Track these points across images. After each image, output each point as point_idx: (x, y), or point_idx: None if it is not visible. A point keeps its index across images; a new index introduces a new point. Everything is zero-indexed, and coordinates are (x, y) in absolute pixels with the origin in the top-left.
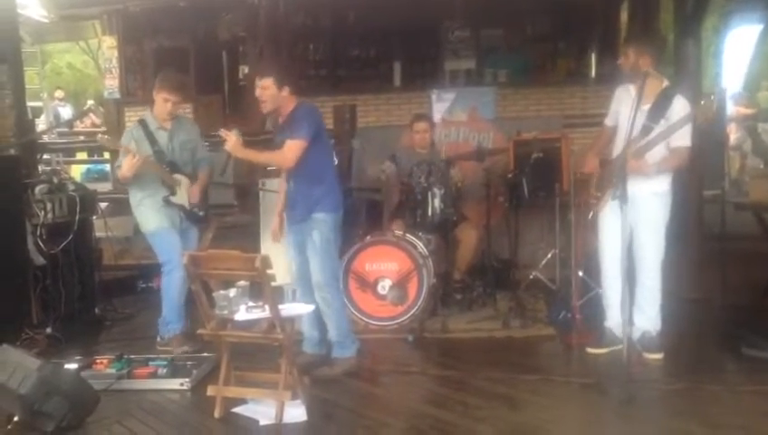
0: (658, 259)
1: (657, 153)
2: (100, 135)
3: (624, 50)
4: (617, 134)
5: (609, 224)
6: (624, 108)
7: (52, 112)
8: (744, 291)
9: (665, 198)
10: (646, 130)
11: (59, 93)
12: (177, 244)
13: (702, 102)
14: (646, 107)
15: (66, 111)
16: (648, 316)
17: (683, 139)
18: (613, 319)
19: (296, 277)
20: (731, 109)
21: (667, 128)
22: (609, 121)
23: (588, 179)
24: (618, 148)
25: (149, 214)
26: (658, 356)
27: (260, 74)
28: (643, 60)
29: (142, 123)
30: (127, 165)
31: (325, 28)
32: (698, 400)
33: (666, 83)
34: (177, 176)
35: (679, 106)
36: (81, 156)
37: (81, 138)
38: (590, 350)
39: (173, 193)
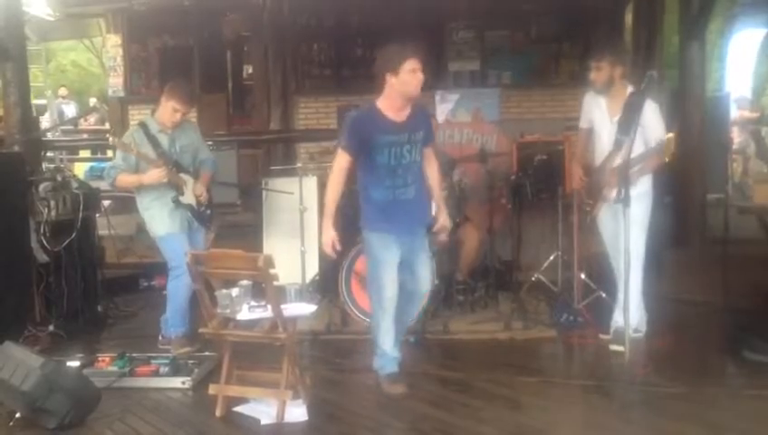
0: (639, 261)
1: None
2: (111, 137)
3: (597, 63)
4: (595, 139)
5: (608, 226)
6: (596, 117)
7: (56, 110)
8: (746, 295)
9: (644, 198)
10: (618, 143)
11: (63, 91)
12: (187, 249)
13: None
14: (616, 118)
15: (70, 109)
16: (628, 311)
17: (661, 136)
18: (634, 319)
19: (393, 296)
20: (734, 112)
21: (642, 153)
22: (583, 124)
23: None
24: (599, 154)
25: (159, 218)
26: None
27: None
28: (616, 71)
29: (143, 126)
30: (156, 175)
31: (329, 28)
32: (700, 403)
33: (629, 90)
34: (183, 176)
35: (650, 113)
36: (85, 154)
37: (85, 136)
38: (613, 347)
39: (181, 193)
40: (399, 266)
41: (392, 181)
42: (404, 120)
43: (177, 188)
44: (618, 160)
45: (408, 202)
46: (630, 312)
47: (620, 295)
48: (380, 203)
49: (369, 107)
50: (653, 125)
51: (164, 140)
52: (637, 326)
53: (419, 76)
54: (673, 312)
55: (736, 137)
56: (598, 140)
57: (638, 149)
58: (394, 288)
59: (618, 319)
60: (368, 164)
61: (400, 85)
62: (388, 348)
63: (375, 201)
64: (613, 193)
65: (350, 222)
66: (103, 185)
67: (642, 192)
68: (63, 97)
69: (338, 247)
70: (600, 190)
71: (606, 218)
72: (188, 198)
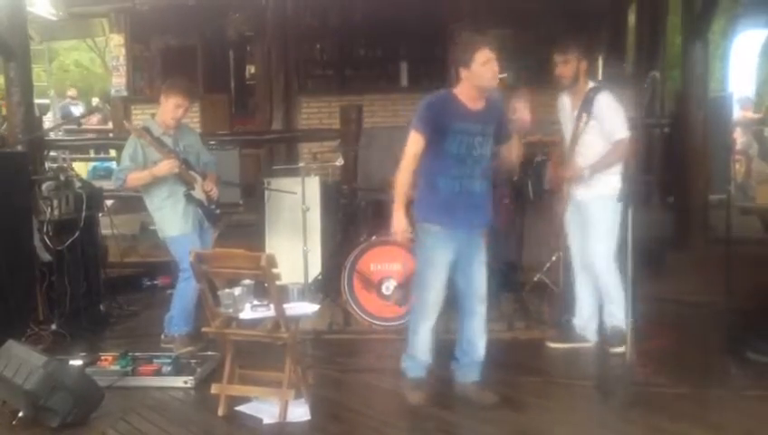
0: (605, 264)
1: (594, 153)
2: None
3: (564, 57)
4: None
5: (572, 224)
6: (562, 117)
7: (62, 111)
8: (749, 295)
9: (612, 200)
10: (574, 137)
11: (71, 92)
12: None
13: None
14: (575, 113)
15: (78, 110)
16: (611, 314)
17: (620, 132)
18: (581, 318)
19: (438, 302)
20: (737, 113)
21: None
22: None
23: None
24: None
25: (172, 218)
26: (620, 349)
27: None
28: (582, 65)
29: (146, 130)
30: (168, 166)
31: (332, 28)
32: (702, 404)
33: (590, 85)
34: (193, 173)
35: (604, 103)
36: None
37: (89, 135)
38: (550, 344)
39: (191, 189)
40: (453, 270)
41: (459, 171)
42: (479, 111)
43: (188, 184)
44: (579, 157)
45: (472, 194)
46: (611, 311)
47: (581, 289)
48: (444, 193)
49: (446, 92)
50: (608, 118)
51: (168, 141)
52: (620, 318)
53: (493, 67)
54: (675, 312)
55: (739, 137)
56: (565, 138)
57: (596, 144)
58: (441, 294)
59: (576, 323)
60: (436, 151)
61: (474, 78)
62: (419, 355)
63: (439, 190)
64: (575, 191)
65: (353, 220)
66: (106, 184)
67: (607, 194)
68: (73, 98)
69: (409, 235)
70: (563, 187)
71: (571, 218)
72: (198, 193)
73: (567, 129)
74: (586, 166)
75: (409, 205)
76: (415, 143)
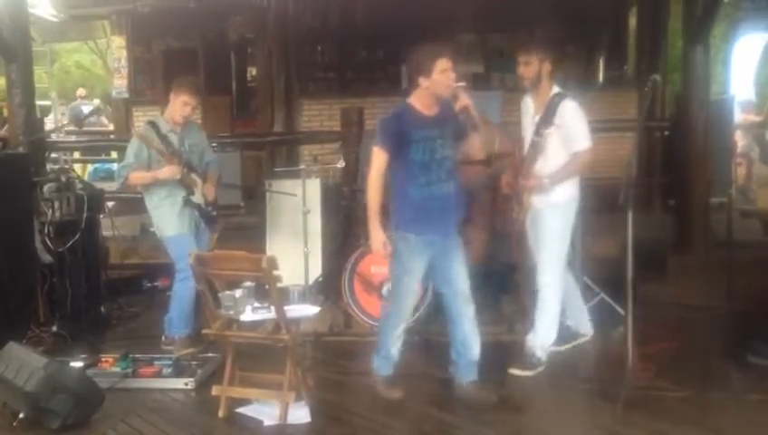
0: (549, 275)
1: (554, 161)
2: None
3: (526, 58)
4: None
5: (531, 232)
6: (524, 120)
7: (72, 111)
8: (750, 299)
9: (563, 208)
10: (534, 144)
11: (81, 92)
12: (194, 250)
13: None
14: (536, 118)
15: (89, 109)
16: (536, 331)
17: (582, 142)
18: (573, 317)
19: (412, 306)
20: (738, 116)
21: (564, 164)
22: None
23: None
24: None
25: (169, 218)
26: (526, 373)
27: None
28: (545, 67)
29: (153, 126)
30: (170, 172)
31: (333, 31)
32: (704, 407)
33: (555, 90)
34: (194, 176)
35: (567, 111)
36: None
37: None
38: (553, 348)
39: (191, 193)
40: (434, 276)
41: (427, 177)
42: (435, 115)
43: (188, 188)
44: (537, 164)
45: (444, 197)
46: (535, 328)
47: (567, 300)
48: (416, 200)
49: (402, 104)
50: (571, 127)
51: (174, 139)
52: (536, 345)
53: (451, 75)
54: (676, 315)
55: (740, 140)
56: (525, 142)
57: (557, 153)
58: (415, 298)
59: (570, 323)
60: (402, 162)
61: (433, 86)
62: (392, 352)
63: (411, 199)
64: (532, 199)
65: (354, 223)
66: (107, 186)
67: (560, 202)
68: (82, 97)
69: (390, 248)
70: (523, 195)
71: (531, 226)
72: (198, 197)
73: (527, 132)
74: (546, 175)
75: (384, 214)
76: (378, 159)
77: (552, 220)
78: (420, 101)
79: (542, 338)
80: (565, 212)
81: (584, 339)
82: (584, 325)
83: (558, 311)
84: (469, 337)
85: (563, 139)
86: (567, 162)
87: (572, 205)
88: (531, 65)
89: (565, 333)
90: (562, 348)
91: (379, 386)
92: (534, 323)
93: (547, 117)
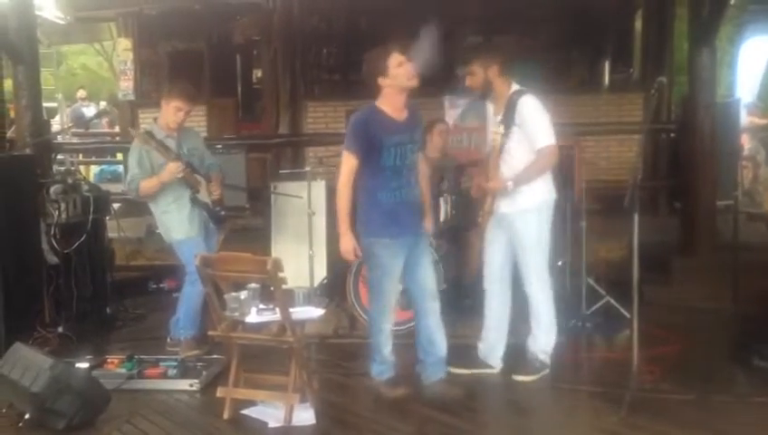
0: (537, 283)
1: (518, 162)
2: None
3: (468, 69)
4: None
5: (491, 241)
6: (489, 124)
7: (73, 113)
8: (756, 302)
9: (536, 214)
10: (497, 146)
11: (81, 93)
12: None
13: None
14: (498, 119)
15: (90, 111)
16: (534, 337)
17: (544, 138)
18: (486, 341)
19: (395, 306)
20: (744, 119)
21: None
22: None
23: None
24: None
25: (178, 221)
26: (529, 378)
27: None
28: (491, 71)
29: (149, 134)
30: (172, 169)
31: (338, 32)
32: (708, 410)
33: (514, 88)
34: (197, 176)
35: (525, 108)
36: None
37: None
38: (451, 369)
39: (197, 191)
40: (402, 274)
41: (398, 182)
42: (404, 120)
43: (193, 188)
44: (503, 166)
45: (413, 203)
46: (534, 334)
47: (489, 313)
48: (388, 206)
49: (371, 108)
50: (530, 124)
51: (172, 144)
52: (538, 351)
53: (408, 66)
54: (682, 319)
55: (746, 143)
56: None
57: (520, 153)
58: (397, 298)
59: (481, 347)
60: (372, 166)
61: (393, 82)
62: (388, 354)
63: (382, 204)
64: (499, 204)
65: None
66: (113, 188)
67: (531, 208)
68: (83, 99)
69: (359, 253)
70: (489, 200)
71: (491, 232)
72: (204, 196)
73: (490, 132)
74: (509, 177)
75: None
76: (348, 164)
77: (525, 227)
78: (389, 103)
79: (543, 343)
80: (538, 218)
81: (489, 371)
82: (494, 358)
83: (552, 312)
84: (435, 334)
85: (526, 137)
86: (531, 162)
87: (545, 210)
88: (475, 75)
89: (473, 357)
90: (459, 371)
91: (382, 389)
92: (532, 330)
93: (507, 116)
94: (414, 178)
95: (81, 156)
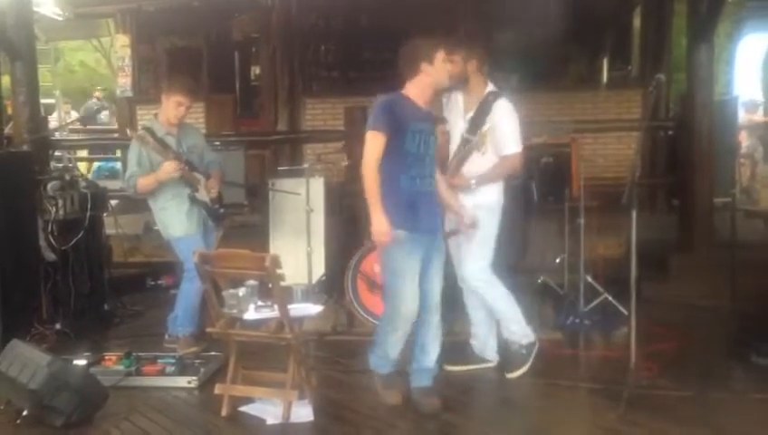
0: (480, 277)
1: (485, 161)
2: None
3: (450, 57)
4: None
5: (458, 240)
6: (452, 116)
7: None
8: (753, 299)
9: (489, 210)
10: (465, 142)
11: (98, 94)
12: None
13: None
14: (469, 115)
15: (104, 112)
16: (507, 328)
17: (512, 146)
18: (477, 337)
19: (414, 311)
20: (742, 116)
21: (491, 167)
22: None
23: None
24: (452, 154)
25: (177, 218)
26: (521, 371)
27: None
28: (470, 64)
29: (149, 131)
30: (170, 169)
31: (337, 30)
32: (706, 407)
33: (489, 88)
34: (196, 174)
35: (499, 112)
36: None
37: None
38: (447, 367)
39: (195, 190)
40: None
41: (419, 171)
42: (428, 111)
43: (192, 186)
44: (466, 164)
45: (431, 194)
46: (508, 325)
47: (474, 311)
48: (407, 193)
49: (397, 93)
50: (502, 128)
51: (171, 142)
52: (522, 332)
53: (451, 67)
54: (680, 316)
55: (744, 141)
56: (452, 139)
57: (488, 153)
58: (416, 302)
59: (474, 343)
60: (395, 150)
61: (435, 73)
62: (392, 353)
63: (402, 190)
64: (458, 202)
65: (357, 222)
66: (111, 184)
67: (485, 204)
68: (99, 99)
69: (392, 236)
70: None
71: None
72: (203, 195)
73: (455, 127)
74: (473, 176)
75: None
76: (376, 143)
77: (480, 222)
78: (418, 93)
79: (518, 330)
80: (490, 214)
81: (486, 365)
82: (489, 352)
83: (509, 297)
84: (429, 344)
85: (494, 140)
86: (495, 165)
87: (497, 208)
88: (455, 65)
89: (469, 354)
90: (456, 369)
91: (379, 387)
92: (501, 323)
93: (480, 116)
94: (433, 170)
95: (77, 152)
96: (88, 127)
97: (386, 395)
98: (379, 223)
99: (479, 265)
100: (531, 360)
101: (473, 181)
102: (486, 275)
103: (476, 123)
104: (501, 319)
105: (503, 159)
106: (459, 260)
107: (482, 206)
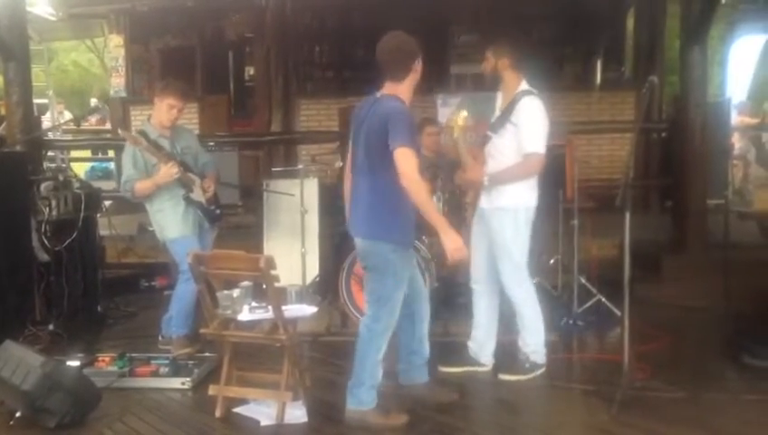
0: (513, 282)
1: (505, 159)
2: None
3: (484, 55)
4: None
5: (475, 238)
6: (496, 112)
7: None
8: (747, 300)
9: (512, 214)
10: (485, 140)
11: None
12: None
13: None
14: (497, 114)
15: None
16: (523, 339)
17: (534, 145)
18: (475, 340)
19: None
20: (735, 118)
21: (511, 166)
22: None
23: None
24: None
25: (173, 220)
26: (515, 378)
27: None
28: (501, 62)
29: (143, 134)
30: (167, 172)
31: (331, 30)
32: (700, 408)
33: (522, 87)
34: (191, 175)
35: (525, 110)
36: (85, 154)
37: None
38: (441, 368)
39: (190, 191)
40: None
41: None
42: None
43: (187, 187)
44: (489, 160)
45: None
46: (522, 336)
47: (477, 311)
48: (407, 210)
49: (400, 99)
50: (525, 127)
51: (165, 144)
52: (528, 351)
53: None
54: (673, 317)
55: (737, 142)
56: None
57: (508, 151)
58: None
59: (471, 345)
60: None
61: (416, 75)
62: (378, 376)
63: (408, 209)
64: (481, 199)
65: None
66: (105, 185)
67: (507, 207)
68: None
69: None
70: (473, 194)
71: (476, 228)
72: (198, 195)
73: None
74: (489, 173)
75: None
76: (414, 160)
77: (500, 225)
78: (408, 93)
79: (532, 344)
80: (514, 218)
81: (480, 369)
82: (485, 356)
83: (537, 312)
84: (426, 336)
85: (517, 138)
86: (514, 164)
87: (523, 212)
88: (487, 61)
89: (463, 355)
90: (451, 370)
91: (380, 420)
92: (520, 332)
93: (506, 114)
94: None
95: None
96: (81, 127)
97: (391, 421)
98: (453, 240)
99: (507, 268)
100: (529, 376)
101: (485, 178)
102: (517, 282)
103: (501, 121)
104: (522, 327)
105: (524, 157)
106: (489, 263)
107: (504, 208)
